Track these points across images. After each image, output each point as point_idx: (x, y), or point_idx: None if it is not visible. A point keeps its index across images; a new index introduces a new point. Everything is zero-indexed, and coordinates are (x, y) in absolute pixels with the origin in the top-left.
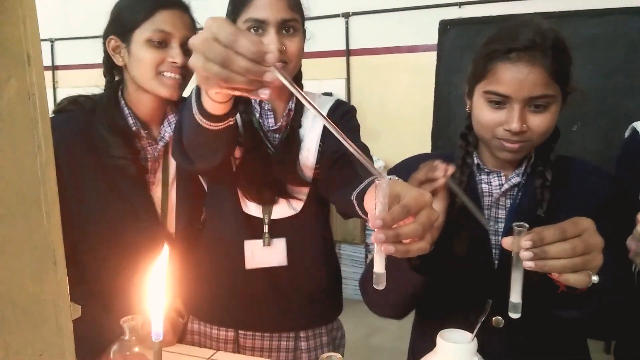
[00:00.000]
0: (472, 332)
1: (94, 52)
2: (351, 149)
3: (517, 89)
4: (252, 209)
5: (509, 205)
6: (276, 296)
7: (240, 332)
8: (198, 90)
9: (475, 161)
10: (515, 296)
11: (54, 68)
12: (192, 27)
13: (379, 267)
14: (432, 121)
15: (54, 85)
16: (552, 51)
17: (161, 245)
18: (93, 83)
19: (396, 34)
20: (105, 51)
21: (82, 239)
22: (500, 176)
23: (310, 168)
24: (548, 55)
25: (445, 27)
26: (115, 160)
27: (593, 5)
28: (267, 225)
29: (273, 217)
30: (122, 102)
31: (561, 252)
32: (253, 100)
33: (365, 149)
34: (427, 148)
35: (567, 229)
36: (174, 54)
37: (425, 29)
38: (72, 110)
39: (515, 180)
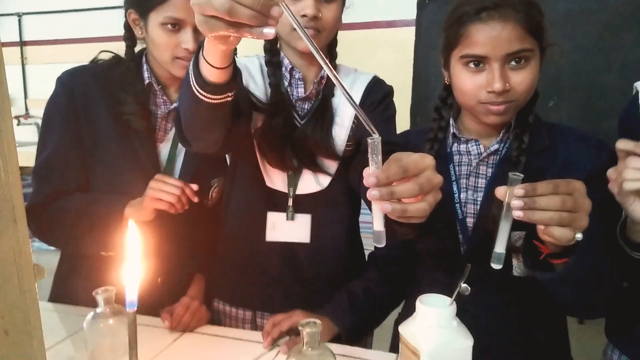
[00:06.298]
0: (451, 297)
1: (64, 27)
2: (350, 101)
3: (493, 47)
4: (277, 182)
5: (490, 175)
6: (295, 276)
7: (257, 312)
8: (196, 60)
9: (452, 130)
10: (500, 247)
11: (22, 44)
12: None
13: (378, 225)
14: (410, 97)
15: (22, 61)
16: (524, 5)
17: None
18: (64, 58)
19: (375, 9)
20: (126, 20)
21: (90, 179)
22: (479, 144)
23: (342, 142)
24: (520, 10)
25: (424, 2)
26: (123, 115)
27: None
28: (291, 199)
29: (298, 192)
30: (144, 59)
31: (550, 205)
32: (283, 68)
33: (396, 139)
34: (405, 124)
35: (560, 185)
36: (186, 40)
37: (404, 4)
38: (99, 62)
39: (494, 147)
